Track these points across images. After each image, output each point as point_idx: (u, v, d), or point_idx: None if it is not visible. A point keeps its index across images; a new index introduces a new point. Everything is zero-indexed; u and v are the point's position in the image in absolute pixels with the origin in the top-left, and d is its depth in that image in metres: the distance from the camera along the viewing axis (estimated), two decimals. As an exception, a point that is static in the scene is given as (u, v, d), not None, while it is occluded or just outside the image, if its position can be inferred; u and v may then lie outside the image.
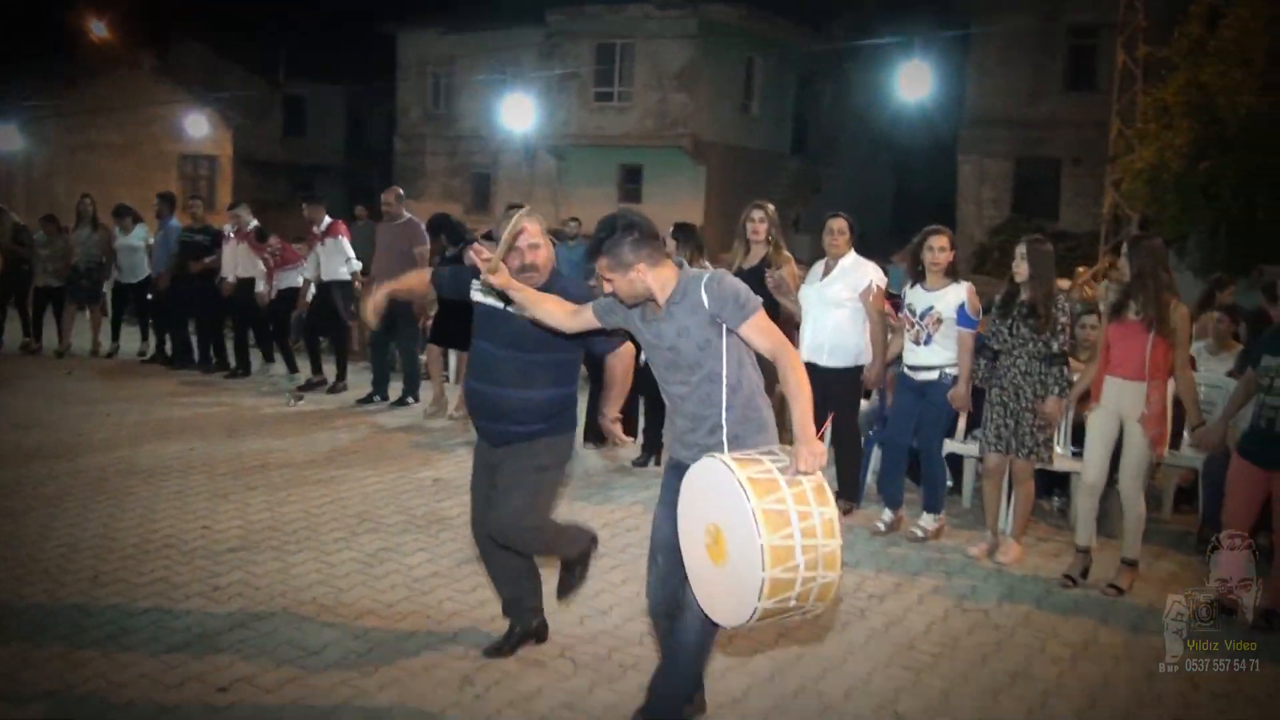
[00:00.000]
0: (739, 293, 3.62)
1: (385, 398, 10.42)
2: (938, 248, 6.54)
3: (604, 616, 5.19)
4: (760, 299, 3.68)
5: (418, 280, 4.87)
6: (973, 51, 28.19)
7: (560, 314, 4.12)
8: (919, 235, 6.73)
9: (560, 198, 27.68)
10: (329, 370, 11.12)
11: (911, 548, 6.52)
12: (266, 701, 4.21)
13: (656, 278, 3.67)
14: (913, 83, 22.72)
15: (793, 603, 3.30)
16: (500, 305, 4.39)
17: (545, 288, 4.29)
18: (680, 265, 3.78)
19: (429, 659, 4.63)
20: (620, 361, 4.44)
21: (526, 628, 4.76)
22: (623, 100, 29.58)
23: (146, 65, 29.82)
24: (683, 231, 8.22)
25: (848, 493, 7.17)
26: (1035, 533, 6.84)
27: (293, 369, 11.49)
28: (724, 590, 3.42)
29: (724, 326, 3.63)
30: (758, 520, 3.18)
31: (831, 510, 3.33)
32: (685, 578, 3.72)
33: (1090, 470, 6.07)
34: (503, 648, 4.69)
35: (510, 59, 30.73)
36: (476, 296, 4.52)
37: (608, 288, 3.73)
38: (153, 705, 4.16)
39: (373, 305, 4.57)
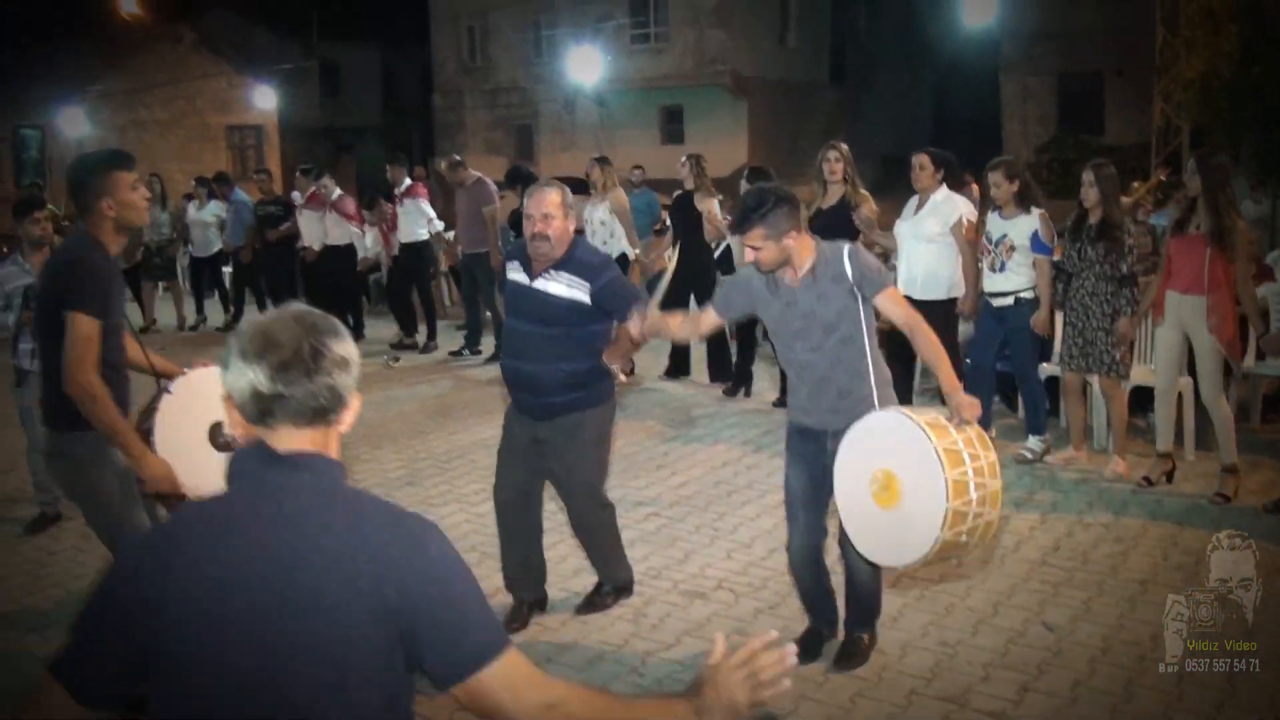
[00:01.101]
0: (879, 265, 3.96)
1: (477, 351, 10.75)
2: (993, 183, 6.81)
3: (748, 549, 5.47)
4: (892, 273, 3.95)
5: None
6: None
7: (693, 328, 4.44)
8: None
9: (603, 144, 27.65)
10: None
11: (1022, 469, 6.72)
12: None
13: (801, 245, 3.88)
14: (976, 6, 22.23)
15: (964, 537, 3.53)
16: (527, 281, 4.45)
17: (565, 258, 4.38)
18: (814, 236, 4.02)
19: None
20: (635, 329, 4.46)
21: (534, 598, 4.81)
22: (659, 41, 29.48)
23: (186, 39, 29.98)
24: (757, 175, 8.52)
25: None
26: (1134, 449, 7.01)
27: (413, 330, 11.68)
28: (894, 531, 3.64)
29: (860, 295, 3.89)
30: (941, 457, 3.42)
31: (993, 455, 3.56)
32: (826, 531, 4.16)
33: (1160, 379, 6.42)
34: (512, 623, 4.64)
35: (544, 5, 30.68)
36: (509, 274, 4.58)
37: (751, 256, 3.90)
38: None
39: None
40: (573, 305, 4.38)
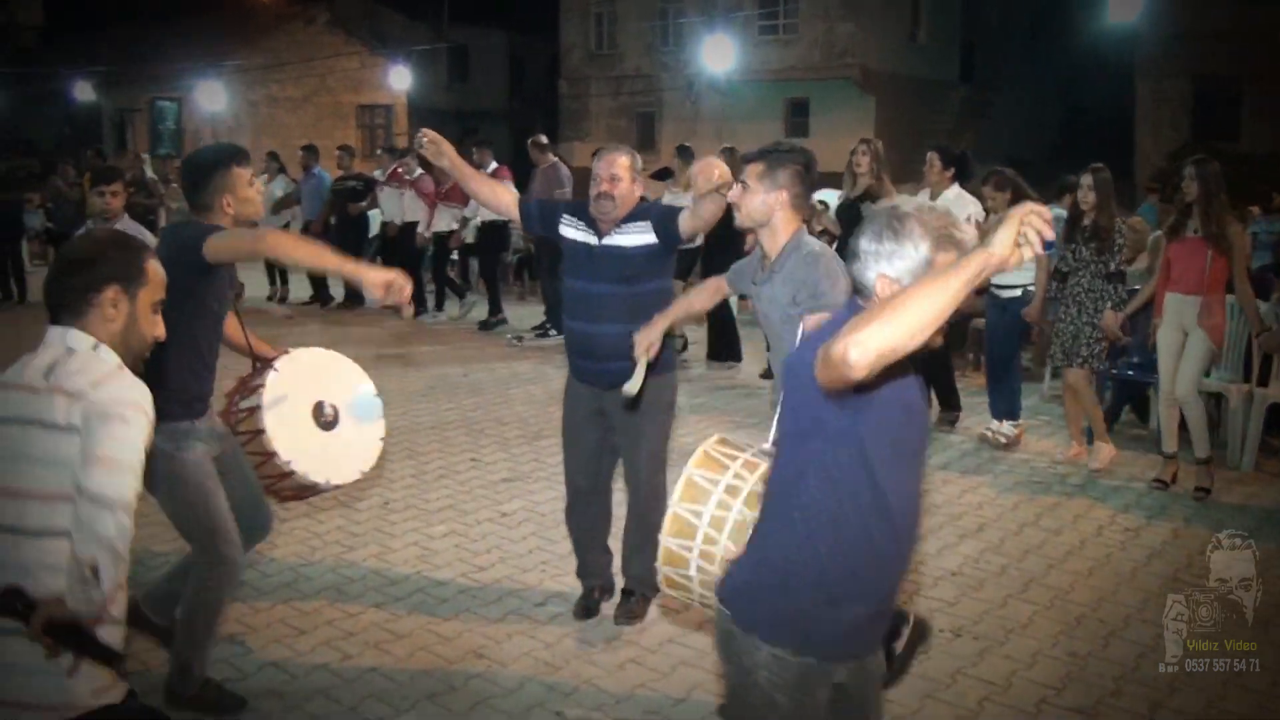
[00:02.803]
0: (820, 282, 3.43)
1: (560, 331, 10.94)
2: (986, 195, 7.25)
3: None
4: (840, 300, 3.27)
5: (504, 195, 4.77)
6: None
7: (708, 297, 4.15)
8: None
9: (725, 134, 27.57)
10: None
11: (1146, 490, 6.51)
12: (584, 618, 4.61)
13: (784, 220, 3.54)
14: (1123, 4, 21.45)
15: (695, 586, 3.07)
16: (596, 240, 4.35)
17: (632, 216, 4.31)
18: (801, 228, 3.63)
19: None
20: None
21: (608, 584, 4.74)
22: (788, 32, 29.26)
23: (320, 19, 30.76)
24: (728, 154, 8.85)
25: (949, 403, 7.82)
26: (1268, 467, 6.87)
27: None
28: None
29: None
30: (679, 486, 3.07)
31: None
32: None
33: (1165, 382, 6.50)
34: (581, 610, 4.66)
35: (674, -7, 30.76)
36: (567, 233, 4.47)
37: (734, 192, 3.60)
38: (478, 619, 4.60)
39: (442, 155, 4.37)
40: (648, 251, 4.30)
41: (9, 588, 2.16)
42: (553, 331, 11.00)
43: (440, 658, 4.27)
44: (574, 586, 4.85)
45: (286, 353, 4.08)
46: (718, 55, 26.28)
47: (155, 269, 2.53)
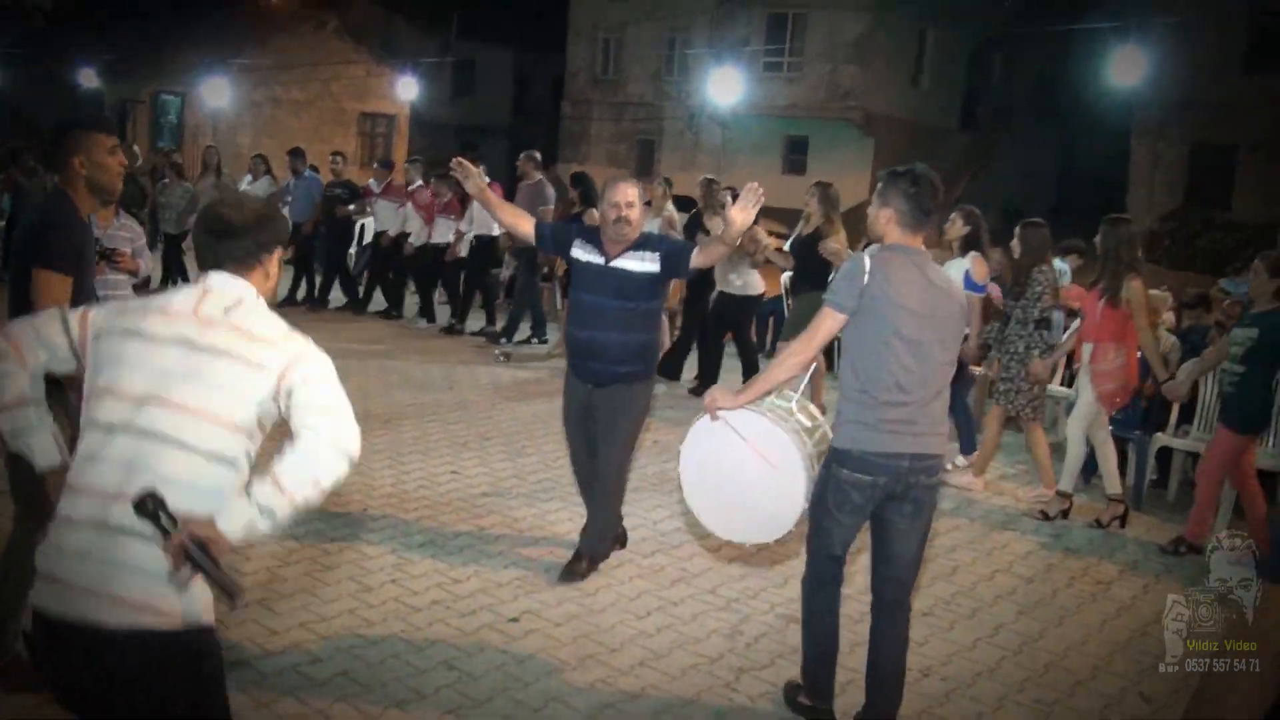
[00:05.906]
0: (834, 279, 4.02)
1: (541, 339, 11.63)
2: (949, 220, 7.47)
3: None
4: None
5: (524, 223, 5.37)
6: (1151, 31, 27.07)
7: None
8: None
9: (724, 167, 27.73)
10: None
11: (1121, 544, 6.60)
12: (557, 634, 4.63)
13: (890, 235, 3.84)
14: (1127, 67, 21.42)
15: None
16: (602, 261, 5.02)
17: (639, 241, 5.02)
18: (890, 243, 3.88)
19: (692, 591, 5.01)
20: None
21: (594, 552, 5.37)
22: (792, 71, 29.43)
23: (330, 25, 30.79)
24: (579, 179, 10.85)
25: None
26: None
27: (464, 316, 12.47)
28: None
29: None
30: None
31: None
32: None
33: (1073, 423, 6.86)
34: (576, 570, 5.26)
35: (681, 25, 30.91)
36: (578, 254, 5.12)
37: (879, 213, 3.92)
38: (451, 630, 4.61)
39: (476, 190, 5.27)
40: (649, 277, 4.98)
41: (150, 491, 2.19)
42: (534, 340, 11.55)
43: (411, 666, 4.28)
44: (547, 603, 4.95)
45: None
46: (723, 88, 26.40)
47: None
